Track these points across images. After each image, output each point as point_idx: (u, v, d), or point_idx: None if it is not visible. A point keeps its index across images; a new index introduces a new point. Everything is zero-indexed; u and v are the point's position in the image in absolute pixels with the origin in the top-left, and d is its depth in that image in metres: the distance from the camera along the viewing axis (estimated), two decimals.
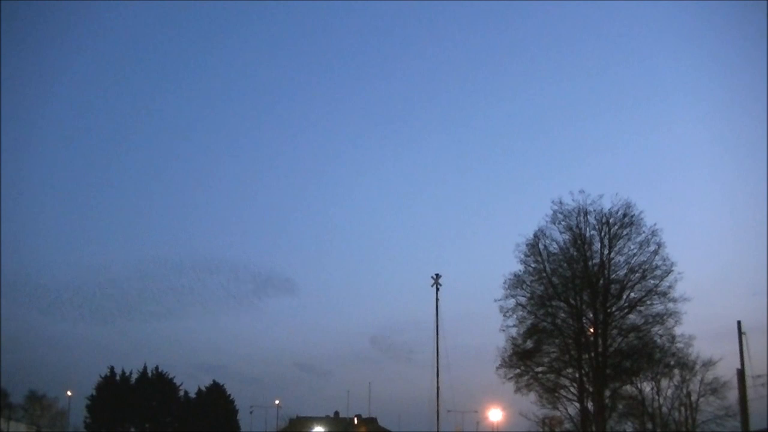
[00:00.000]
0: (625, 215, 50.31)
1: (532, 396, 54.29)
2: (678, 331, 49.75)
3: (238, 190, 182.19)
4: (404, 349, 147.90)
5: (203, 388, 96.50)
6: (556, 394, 53.79)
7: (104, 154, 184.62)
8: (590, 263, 51.19)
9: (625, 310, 50.72)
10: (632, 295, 50.49)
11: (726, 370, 51.17)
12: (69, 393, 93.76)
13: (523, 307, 53.19)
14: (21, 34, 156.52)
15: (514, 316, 53.07)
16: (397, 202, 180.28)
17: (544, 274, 52.45)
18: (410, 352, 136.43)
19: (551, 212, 51.88)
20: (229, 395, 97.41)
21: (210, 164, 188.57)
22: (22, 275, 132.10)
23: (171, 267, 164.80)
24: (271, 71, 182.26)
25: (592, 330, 50.71)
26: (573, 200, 51.28)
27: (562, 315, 52.67)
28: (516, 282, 52.94)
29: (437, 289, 65.76)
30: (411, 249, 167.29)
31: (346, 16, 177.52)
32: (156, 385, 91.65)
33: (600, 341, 50.18)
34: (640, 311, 50.48)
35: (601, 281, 50.70)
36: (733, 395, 49.17)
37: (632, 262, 50.32)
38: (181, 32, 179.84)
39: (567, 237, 52.00)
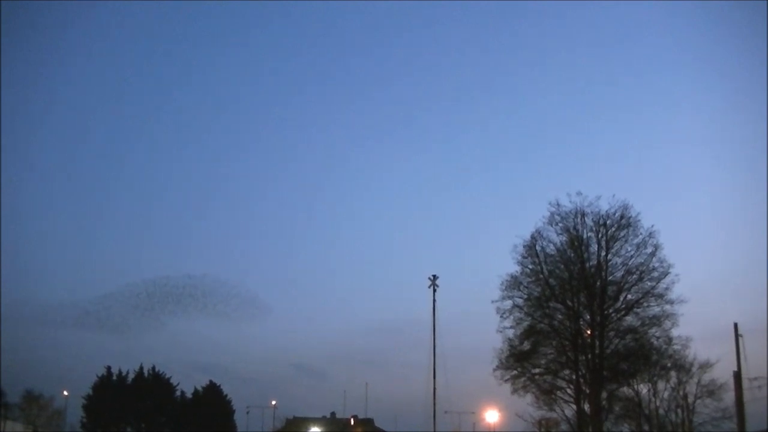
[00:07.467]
0: (622, 217, 50.23)
1: (529, 397, 54.36)
2: (675, 333, 49.87)
3: (242, 202, 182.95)
4: (401, 350, 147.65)
5: (200, 388, 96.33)
6: (553, 396, 53.71)
7: (102, 166, 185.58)
8: (587, 265, 51.08)
9: (622, 312, 50.60)
10: (629, 296, 50.41)
11: (722, 372, 51.27)
12: (65, 393, 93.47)
13: (520, 308, 53.06)
14: (21, 34, 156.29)
15: (511, 317, 53.00)
16: (396, 204, 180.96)
17: (541, 276, 52.30)
18: (407, 352, 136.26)
19: (548, 214, 51.84)
20: (226, 395, 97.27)
21: (212, 171, 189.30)
22: (21, 282, 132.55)
23: (171, 271, 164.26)
24: (269, 76, 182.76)
25: (589, 332, 50.59)
26: (570, 202, 51.26)
27: (559, 316, 52.55)
28: (513, 283, 52.88)
29: (434, 290, 65.88)
30: (408, 250, 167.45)
31: (342, 21, 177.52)
32: (152, 385, 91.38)
33: (597, 343, 50.08)
34: (637, 313, 50.43)
35: (598, 283, 50.59)
36: (729, 397, 49.25)
37: (629, 263, 50.30)
38: (176, 38, 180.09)
39: (564, 238, 51.93)
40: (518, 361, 53.25)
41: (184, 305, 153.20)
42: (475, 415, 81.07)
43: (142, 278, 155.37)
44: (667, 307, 49.16)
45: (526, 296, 53.08)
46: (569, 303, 51.67)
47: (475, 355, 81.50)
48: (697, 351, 53.12)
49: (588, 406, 50.54)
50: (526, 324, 53.12)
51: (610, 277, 50.68)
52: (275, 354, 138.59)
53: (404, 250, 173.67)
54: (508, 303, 52.83)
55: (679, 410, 56.07)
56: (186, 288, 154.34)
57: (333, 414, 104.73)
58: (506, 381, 53.46)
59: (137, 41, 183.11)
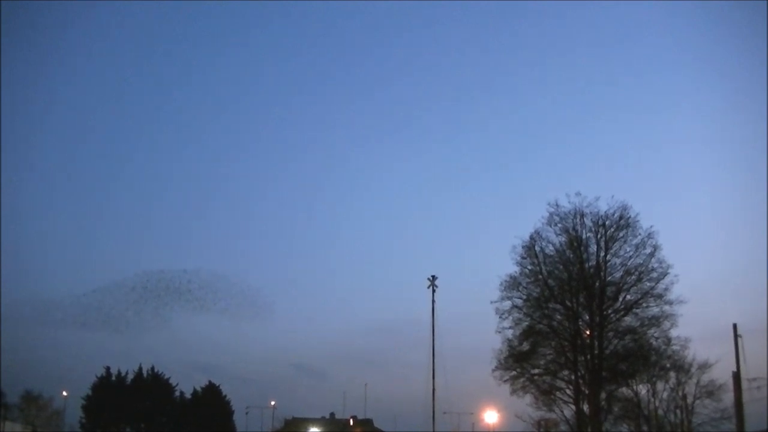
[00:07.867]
0: (621, 217, 50.17)
1: (528, 398, 54.29)
2: (674, 333, 49.79)
3: (241, 202, 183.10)
4: (401, 350, 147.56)
5: (199, 389, 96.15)
6: (552, 397, 53.65)
7: (102, 166, 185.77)
8: (586, 265, 51.02)
9: (621, 313, 50.57)
10: (628, 297, 50.36)
11: (722, 372, 51.26)
12: (65, 393, 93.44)
13: (519, 309, 52.99)
14: (21, 34, 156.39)
15: (510, 317, 52.94)
16: (396, 204, 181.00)
17: (540, 276, 52.24)
18: (407, 353, 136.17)
19: (547, 214, 51.79)
20: (225, 396, 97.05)
21: (212, 171, 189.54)
22: (21, 280, 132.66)
23: (170, 271, 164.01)
24: (269, 76, 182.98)
25: (588, 332, 50.56)
26: (569, 202, 51.22)
27: (558, 317, 52.51)
28: (512, 284, 52.82)
29: (433, 291, 65.81)
30: (408, 250, 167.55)
31: (342, 21, 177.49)
32: (152, 385, 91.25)
33: (596, 343, 50.04)
34: (636, 314, 50.39)
35: (597, 283, 50.54)
36: (728, 398, 49.26)
37: (628, 264, 50.23)
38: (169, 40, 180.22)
39: (563, 239, 51.89)
40: (517, 361, 53.20)
41: (183, 301, 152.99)
42: (474, 416, 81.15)
43: (136, 272, 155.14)
44: (666, 307, 49.20)
45: (525, 297, 53.06)
46: (568, 303, 51.63)
47: (474, 355, 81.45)
48: (697, 351, 53.18)
49: (587, 406, 50.48)
50: (525, 324, 53.08)
51: (609, 278, 50.67)
52: (275, 354, 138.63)
53: (404, 250, 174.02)
54: (507, 304, 52.89)
55: (678, 411, 56.06)
56: (182, 283, 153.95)
57: (332, 414, 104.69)
58: (505, 381, 53.50)
59: (137, 41, 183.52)
